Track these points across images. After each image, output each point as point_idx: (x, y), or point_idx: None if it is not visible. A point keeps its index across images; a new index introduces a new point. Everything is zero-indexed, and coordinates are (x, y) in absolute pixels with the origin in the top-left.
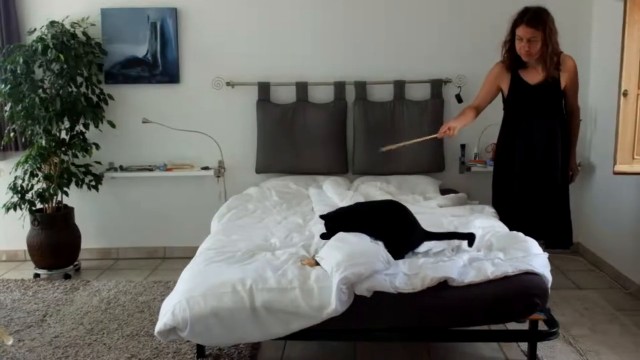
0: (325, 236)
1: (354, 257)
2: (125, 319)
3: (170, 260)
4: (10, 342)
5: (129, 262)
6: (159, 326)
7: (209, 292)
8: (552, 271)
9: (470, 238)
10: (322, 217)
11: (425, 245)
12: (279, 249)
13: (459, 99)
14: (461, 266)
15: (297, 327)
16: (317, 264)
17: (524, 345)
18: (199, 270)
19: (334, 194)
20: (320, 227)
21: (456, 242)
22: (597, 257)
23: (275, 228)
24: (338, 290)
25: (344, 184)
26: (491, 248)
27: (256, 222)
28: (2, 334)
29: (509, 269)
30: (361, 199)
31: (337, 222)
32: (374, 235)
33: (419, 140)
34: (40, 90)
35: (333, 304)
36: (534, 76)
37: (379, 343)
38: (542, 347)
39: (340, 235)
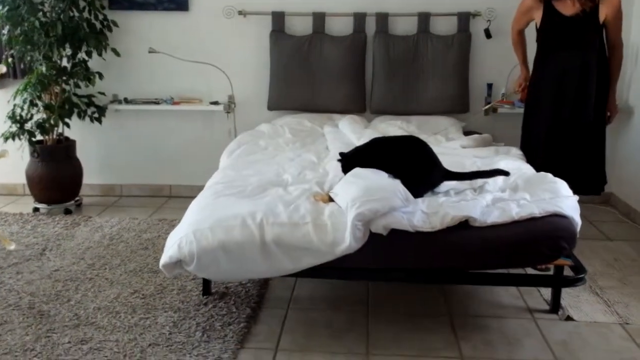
0: (346, 167)
1: (370, 193)
2: (128, 255)
3: (175, 199)
4: (12, 247)
5: (133, 200)
6: (164, 259)
7: (217, 225)
8: (580, 217)
9: (501, 173)
10: (342, 154)
11: (446, 185)
12: (292, 185)
13: (488, 33)
14: (484, 206)
15: (308, 264)
16: (331, 200)
17: (546, 294)
18: (207, 203)
19: (351, 132)
20: (336, 165)
21: (479, 182)
22: (631, 208)
23: (288, 165)
24: (353, 227)
25: (361, 122)
26: (517, 189)
27: (268, 159)
28: (3, 239)
29: (536, 210)
30: None
31: (354, 159)
32: (392, 171)
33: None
34: (40, 14)
35: (347, 240)
36: (568, 7)
37: (393, 284)
38: (565, 296)
39: (356, 170)
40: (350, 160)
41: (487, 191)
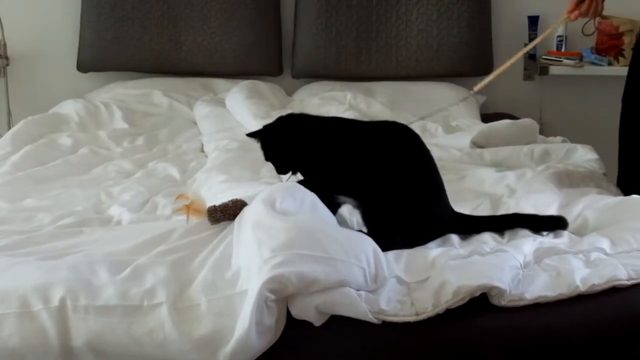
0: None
1: (308, 242)
2: None
3: None
4: None
5: None
6: None
7: None
8: None
9: (556, 224)
10: (251, 135)
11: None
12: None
13: None
14: (518, 266)
15: None
16: (213, 216)
17: None
18: None
19: (251, 116)
20: (225, 187)
21: None
22: None
23: (120, 186)
24: (259, 300)
25: (271, 95)
26: (585, 229)
27: (77, 173)
28: None
29: (621, 273)
30: None
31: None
32: (343, 193)
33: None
34: None
35: (243, 327)
36: None
37: None
38: None
39: (296, 188)
40: (282, 139)
41: (524, 236)
